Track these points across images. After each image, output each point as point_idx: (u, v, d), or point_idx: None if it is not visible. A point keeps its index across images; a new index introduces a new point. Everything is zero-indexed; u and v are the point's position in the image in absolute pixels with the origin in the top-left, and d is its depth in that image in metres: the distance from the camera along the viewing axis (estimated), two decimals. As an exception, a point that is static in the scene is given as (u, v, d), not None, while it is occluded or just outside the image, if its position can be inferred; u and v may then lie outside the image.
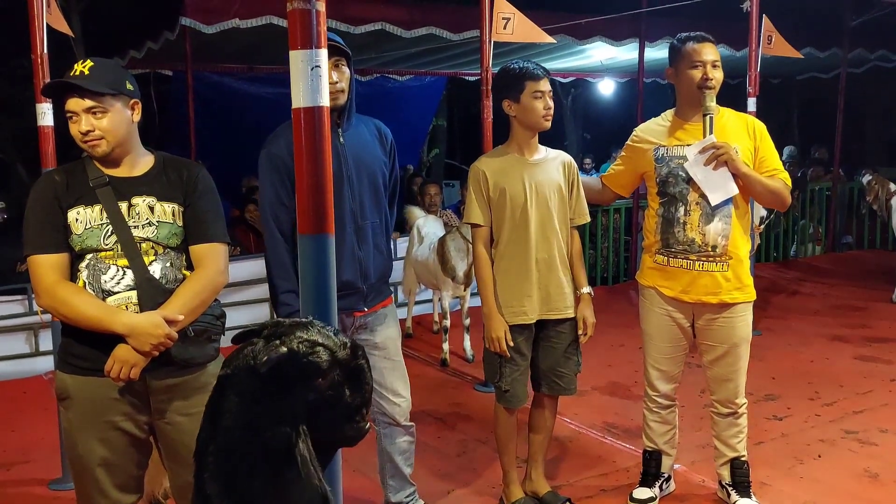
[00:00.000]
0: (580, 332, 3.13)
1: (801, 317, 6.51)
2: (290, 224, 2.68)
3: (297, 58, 1.42)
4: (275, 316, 2.81)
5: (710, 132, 2.95)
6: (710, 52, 2.96)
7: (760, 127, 3.05)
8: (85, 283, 2.20)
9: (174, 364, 2.23)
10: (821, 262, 8.83)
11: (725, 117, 3.05)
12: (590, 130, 18.62)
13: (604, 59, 9.58)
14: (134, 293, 2.20)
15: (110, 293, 2.20)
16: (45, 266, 2.18)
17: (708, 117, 2.95)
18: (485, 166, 3.05)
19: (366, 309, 2.85)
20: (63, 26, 3.66)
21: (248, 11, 6.02)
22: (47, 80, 3.42)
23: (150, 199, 2.27)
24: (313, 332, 1.54)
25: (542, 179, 3.03)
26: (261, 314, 5.71)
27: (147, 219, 2.25)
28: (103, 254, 2.21)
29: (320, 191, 1.45)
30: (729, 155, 2.89)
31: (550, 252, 3.05)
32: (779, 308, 6.79)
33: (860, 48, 9.49)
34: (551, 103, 2.99)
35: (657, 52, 8.13)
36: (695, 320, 3.12)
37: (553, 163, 3.09)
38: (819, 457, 3.75)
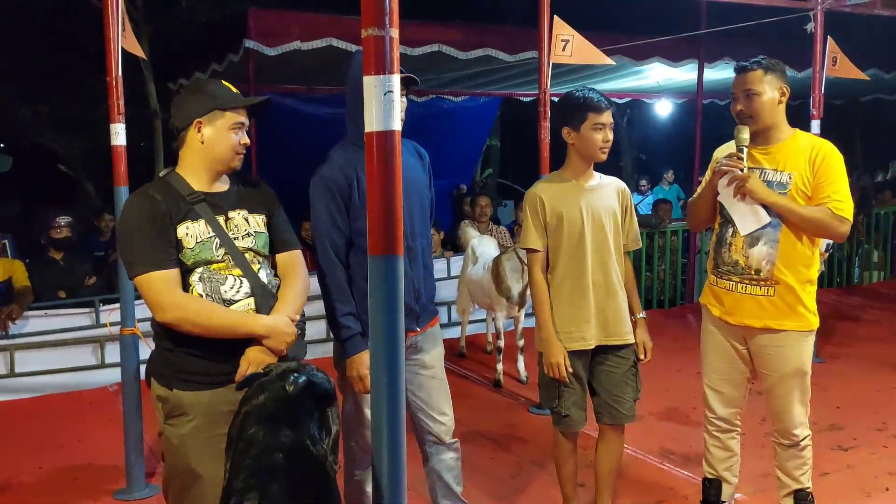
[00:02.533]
0: (640, 356, 3.10)
1: (866, 344, 6.33)
2: (344, 247, 2.74)
3: (370, 83, 1.45)
4: (332, 337, 2.86)
5: (744, 163, 2.91)
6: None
7: (826, 153, 2.92)
8: (202, 294, 2.28)
9: (285, 362, 2.32)
10: (885, 289, 8.58)
11: (794, 141, 2.98)
12: (645, 151, 18.44)
13: (661, 80, 9.51)
14: (252, 300, 2.33)
15: (232, 301, 2.30)
16: (166, 281, 2.23)
17: (742, 150, 2.92)
18: (542, 192, 3.07)
19: (418, 329, 2.88)
20: (137, 49, 3.79)
21: (308, 34, 6.16)
22: (121, 100, 3.55)
23: (244, 212, 2.41)
24: (313, 369, 1.92)
25: (598, 205, 3.05)
26: (316, 330, 5.78)
27: (245, 230, 2.38)
28: (216, 265, 2.31)
29: (391, 211, 1.48)
30: (747, 187, 2.85)
31: (608, 277, 3.05)
32: (842, 335, 6.61)
33: (927, 69, 9.24)
34: (611, 136, 2.99)
35: (716, 73, 8.03)
36: (748, 344, 3.06)
37: (608, 189, 3.10)
38: (887, 490, 3.63)
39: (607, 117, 2.98)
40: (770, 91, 2.92)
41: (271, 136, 8.45)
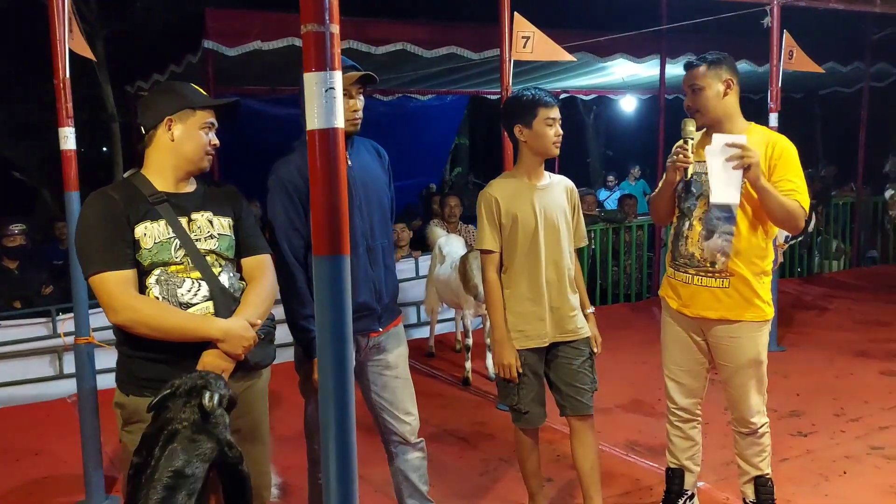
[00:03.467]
0: (594, 348, 3.15)
1: (826, 332, 6.43)
2: (303, 249, 2.72)
3: (311, 80, 1.43)
4: (294, 340, 2.84)
5: (689, 153, 2.94)
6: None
7: (782, 147, 2.95)
8: (158, 297, 2.24)
9: (246, 367, 2.33)
10: (845, 277, 8.72)
11: (749, 134, 3.00)
12: (612, 147, 18.57)
13: (625, 76, 9.58)
14: (210, 303, 2.28)
15: (189, 305, 2.26)
16: (119, 282, 2.19)
17: (687, 141, 2.95)
18: (496, 192, 3.08)
19: (380, 329, 2.87)
20: (85, 51, 3.71)
21: (269, 34, 6.09)
22: (69, 104, 3.48)
23: (208, 214, 2.37)
24: (212, 378, 2.05)
25: (550, 204, 3.08)
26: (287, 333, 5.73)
27: (209, 232, 2.34)
28: (174, 267, 2.26)
29: (336, 212, 1.46)
30: (755, 160, 2.82)
31: (561, 275, 3.08)
32: (803, 324, 6.71)
33: (883, 62, 9.42)
34: (561, 131, 3.04)
35: (679, 69, 8.10)
36: (706, 336, 3.10)
37: (558, 188, 3.15)
38: (844, 473, 3.69)
39: (556, 112, 3.02)
40: (715, 85, 2.95)
41: (234, 137, 8.37)
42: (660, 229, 7.90)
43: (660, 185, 3.22)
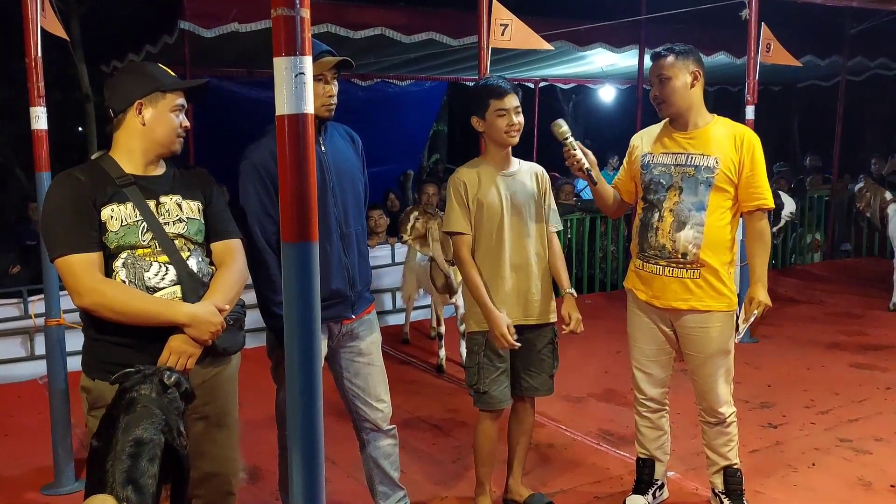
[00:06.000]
0: (563, 326, 3.15)
1: (798, 324, 6.50)
2: (276, 234, 2.68)
3: (280, 65, 1.41)
4: (266, 325, 2.82)
5: (576, 152, 2.99)
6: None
7: (750, 141, 2.99)
8: (124, 281, 2.21)
9: (215, 353, 2.31)
10: (819, 270, 8.83)
11: (716, 126, 3.03)
12: (591, 136, 18.61)
13: (604, 66, 9.59)
14: (178, 288, 2.25)
15: (156, 289, 2.23)
16: (85, 265, 2.15)
17: (565, 142, 3.00)
18: (464, 177, 3.10)
19: (353, 316, 2.86)
20: (58, 30, 3.66)
21: (246, 16, 6.03)
22: (41, 83, 3.43)
23: (177, 198, 2.34)
24: (176, 370, 2.10)
25: (518, 190, 3.10)
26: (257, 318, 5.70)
27: (177, 215, 2.31)
28: (141, 251, 2.23)
29: (304, 198, 1.44)
30: (762, 308, 3.03)
31: (526, 260, 3.10)
32: (776, 315, 6.75)
33: (860, 56, 9.51)
34: (516, 119, 3.02)
35: (657, 60, 8.12)
36: (674, 326, 3.12)
37: (527, 174, 3.16)
38: (813, 465, 3.74)
39: (510, 101, 3.00)
40: (682, 75, 2.97)
41: (210, 120, 8.28)
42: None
43: (620, 173, 3.30)
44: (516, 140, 3.06)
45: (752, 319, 3.04)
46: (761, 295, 3.00)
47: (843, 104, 9.12)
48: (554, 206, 3.23)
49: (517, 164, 3.17)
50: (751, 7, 5.51)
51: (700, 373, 3.11)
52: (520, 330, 3.11)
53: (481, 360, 3.11)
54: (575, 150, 2.98)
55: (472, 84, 3.14)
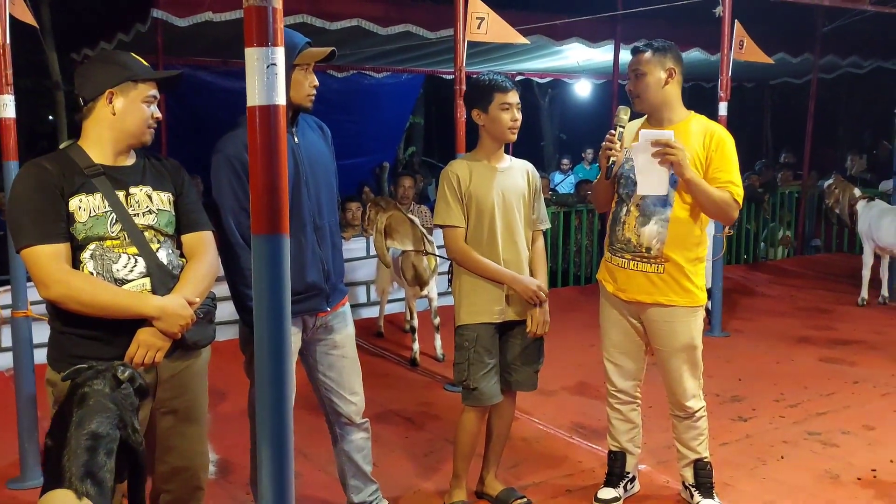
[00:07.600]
0: (527, 327, 3.13)
1: (769, 319, 6.58)
2: (250, 227, 2.66)
3: (252, 56, 1.40)
4: (240, 320, 2.80)
5: (618, 140, 2.99)
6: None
7: (720, 137, 3.01)
8: (92, 272, 2.17)
9: (184, 347, 2.28)
10: (789, 265, 8.93)
11: (689, 123, 3.06)
12: (566, 131, 18.69)
13: (580, 61, 9.62)
14: (147, 280, 2.22)
15: (124, 281, 2.20)
16: (51, 256, 2.12)
17: (616, 128, 3.01)
18: (458, 170, 3.10)
19: (328, 309, 2.84)
20: (26, 16, 3.60)
21: (221, 5, 5.96)
22: (9, 70, 3.37)
23: (147, 189, 2.30)
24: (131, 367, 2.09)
25: (509, 186, 3.12)
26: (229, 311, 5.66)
27: (147, 207, 2.28)
28: (110, 242, 2.20)
29: (275, 190, 1.43)
30: (678, 158, 2.88)
31: (517, 256, 3.12)
32: (747, 310, 6.86)
33: (831, 54, 9.62)
34: (518, 115, 3.06)
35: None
36: (641, 319, 3.15)
37: (518, 171, 3.18)
38: (782, 458, 3.79)
39: (513, 97, 3.04)
40: (657, 72, 3.00)
41: (183, 110, 8.19)
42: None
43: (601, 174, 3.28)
44: (515, 137, 3.10)
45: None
46: None
47: (814, 101, 9.23)
48: (543, 204, 3.25)
49: (509, 160, 3.19)
50: (724, 4, 5.55)
51: (667, 367, 3.14)
52: (509, 325, 3.13)
53: (471, 356, 3.08)
54: (620, 140, 3.00)
55: (475, 77, 3.14)
